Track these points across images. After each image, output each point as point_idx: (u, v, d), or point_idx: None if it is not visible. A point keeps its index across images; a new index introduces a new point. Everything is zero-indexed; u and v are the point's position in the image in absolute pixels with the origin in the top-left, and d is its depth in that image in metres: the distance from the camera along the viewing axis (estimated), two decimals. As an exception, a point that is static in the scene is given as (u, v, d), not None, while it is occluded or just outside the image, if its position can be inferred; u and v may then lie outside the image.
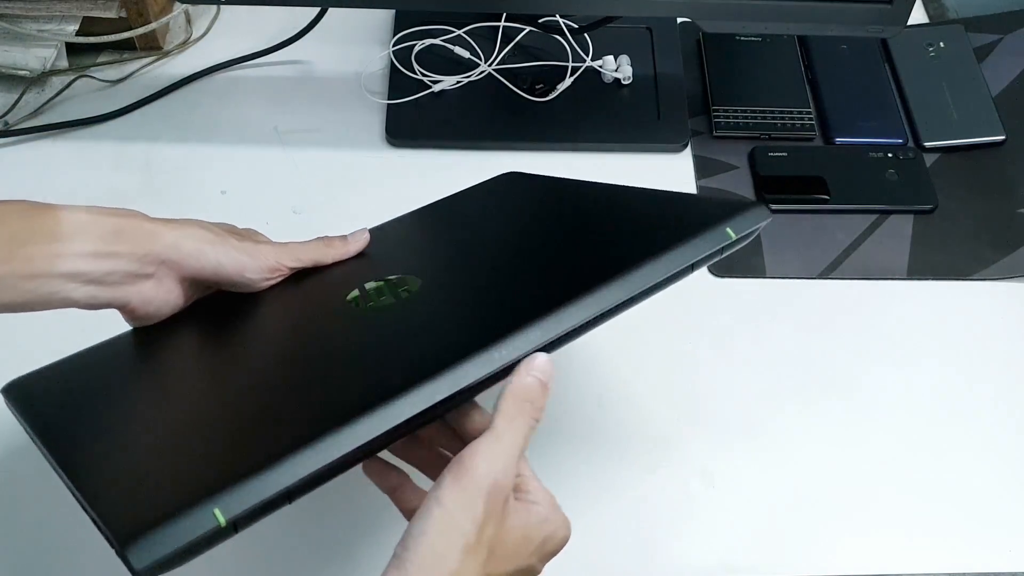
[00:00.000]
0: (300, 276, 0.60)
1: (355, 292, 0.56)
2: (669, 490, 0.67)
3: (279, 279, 0.59)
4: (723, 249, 0.53)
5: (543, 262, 0.57)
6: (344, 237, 0.62)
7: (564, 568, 0.64)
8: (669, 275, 0.51)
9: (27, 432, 0.51)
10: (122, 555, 0.38)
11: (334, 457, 0.42)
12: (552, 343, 0.48)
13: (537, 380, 0.47)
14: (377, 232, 0.65)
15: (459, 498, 0.44)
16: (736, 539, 0.65)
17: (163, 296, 0.55)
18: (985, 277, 0.79)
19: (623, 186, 0.66)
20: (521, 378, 0.47)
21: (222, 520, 0.39)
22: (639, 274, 0.50)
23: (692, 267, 0.52)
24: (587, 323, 0.50)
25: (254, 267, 0.56)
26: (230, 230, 0.59)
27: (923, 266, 0.79)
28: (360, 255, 0.62)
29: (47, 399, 0.53)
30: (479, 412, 0.50)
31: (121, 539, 0.39)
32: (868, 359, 0.74)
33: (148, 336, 0.57)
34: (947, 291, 0.78)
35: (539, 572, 0.49)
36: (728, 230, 0.53)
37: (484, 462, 0.45)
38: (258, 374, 0.53)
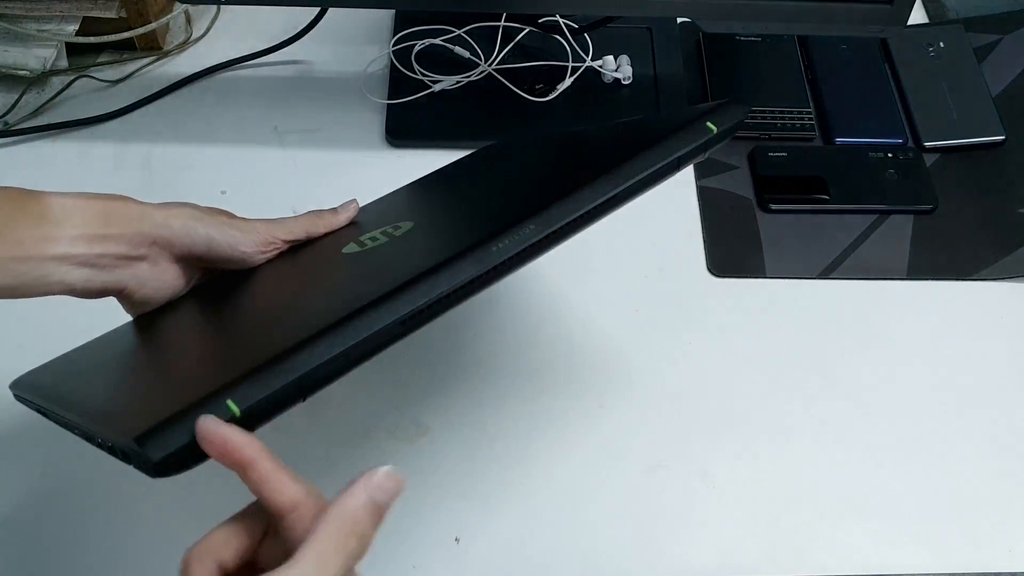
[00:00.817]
0: (295, 249, 0.60)
1: (351, 244, 0.57)
2: (669, 490, 0.67)
3: (274, 252, 0.58)
4: (706, 144, 0.54)
5: (533, 185, 0.58)
6: (334, 209, 0.62)
7: (564, 568, 0.64)
8: (655, 169, 0.52)
9: (41, 412, 0.51)
10: (139, 456, 0.38)
11: (343, 347, 0.42)
12: (545, 239, 0.48)
13: (370, 502, 0.39)
14: (371, 205, 0.66)
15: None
16: (736, 539, 0.65)
17: (159, 277, 0.55)
18: (985, 277, 0.79)
19: (612, 122, 0.68)
20: (350, 498, 0.39)
21: (236, 410, 0.39)
22: (626, 169, 0.51)
23: (678, 162, 0.53)
24: (580, 218, 0.50)
25: (247, 240, 0.56)
26: (222, 211, 0.58)
27: (923, 266, 0.80)
28: (352, 223, 0.62)
29: (53, 383, 0.54)
30: (292, 487, 0.40)
31: (137, 438, 0.38)
32: (868, 359, 0.74)
33: (149, 321, 0.57)
34: (947, 291, 0.78)
35: None
36: (709, 124, 0.54)
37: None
38: (259, 313, 0.53)
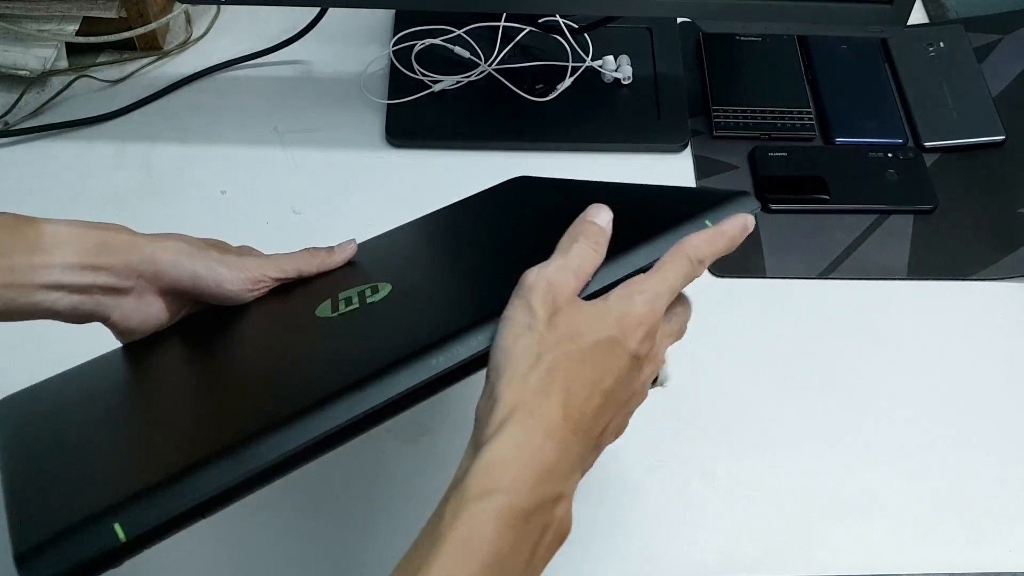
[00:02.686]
0: (286, 288, 0.58)
1: (327, 302, 0.54)
2: (669, 490, 0.67)
3: (264, 291, 0.57)
4: None
5: (513, 263, 0.51)
6: (331, 248, 0.60)
7: (564, 568, 0.64)
8: (637, 269, 0.50)
9: None
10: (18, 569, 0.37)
11: (240, 474, 0.40)
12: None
13: (594, 225, 0.49)
14: (371, 243, 0.64)
15: (515, 302, 0.45)
16: (736, 539, 0.65)
17: (144, 310, 0.55)
18: (985, 277, 0.79)
19: (624, 184, 0.65)
20: (587, 213, 0.50)
21: (122, 536, 0.38)
22: (605, 269, 0.49)
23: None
24: None
25: (233, 279, 0.56)
26: (216, 244, 0.57)
27: (923, 266, 0.80)
28: (348, 264, 0.61)
29: (22, 420, 0.53)
30: None
31: (17, 557, 0.37)
32: (868, 359, 0.74)
33: (133, 353, 0.56)
34: (947, 291, 0.78)
35: (645, 353, 0.48)
36: (707, 222, 0.52)
37: (534, 271, 0.46)
38: (203, 388, 0.52)
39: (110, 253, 0.52)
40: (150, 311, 0.55)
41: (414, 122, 0.87)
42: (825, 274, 0.79)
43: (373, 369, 0.43)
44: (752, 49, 0.93)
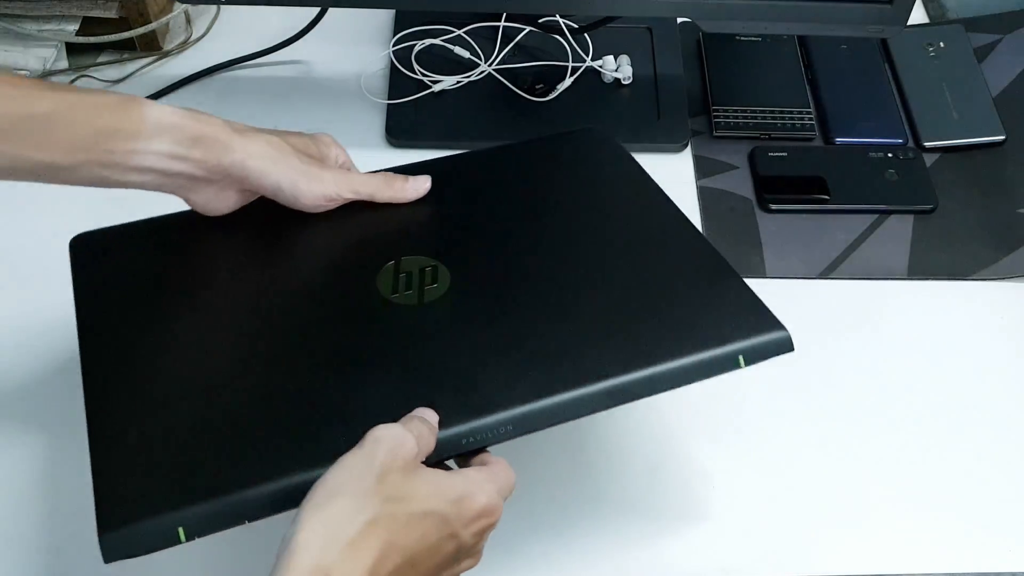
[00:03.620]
0: (357, 209, 0.63)
1: (388, 269, 0.59)
2: (669, 490, 0.67)
3: (334, 206, 0.61)
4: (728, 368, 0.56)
5: (566, 314, 0.58)
6: (406, 179, 0.64)
7: (564, 568, 0.64)
8: (663, 389, 0.55)
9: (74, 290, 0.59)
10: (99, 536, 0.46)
11: (292, 495, 0.46)
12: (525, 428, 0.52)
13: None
14: (439, 173, 0.66)
15: (357, 452, 0.45)
16: (736, 539, 0.65)
17: (222, 198, 0.60)
18: (985, 277, 0.79)
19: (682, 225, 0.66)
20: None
21: (183, 538, 0.47)
22: (632, 381, 0.54)
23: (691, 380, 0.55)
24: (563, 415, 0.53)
25: (309, 194, 0.60)
26: (304, 147, 0.61)
27: (923, 266, 0.80)
28: (418, 202, 0.64)
29: (100, 266, 0.61)
30: None
31: (100, 531, 0.46)
32: (868, 359, 0.74)
33: (207, 226, 0.62)
34: (947, 291, 0.78)
35: (471, 546, 0.48)
36: (740, 359, 0.56)
37: (385, 429, 0.46)
38: (270, 337, 0.56)
39: (203, 148, 0.56)
40: (227, 201, 0.60)
41: (414, 122, 0.87)
42: (825, 274, 0.79)
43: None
44: (752, 49, 0.93)
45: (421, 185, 0.64)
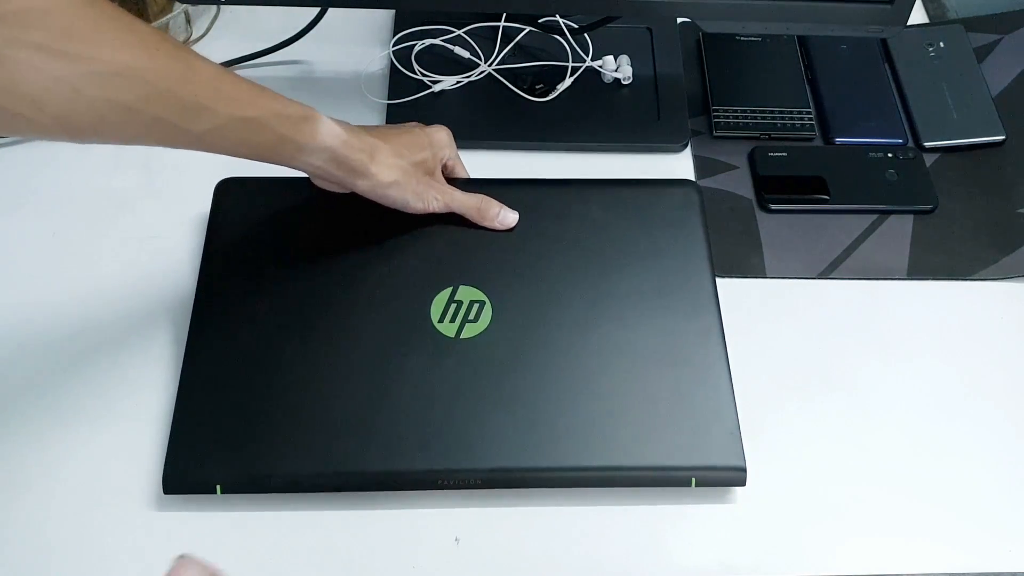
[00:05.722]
0: (450, 218, 0.72)
1: (444, 296, 0.69)
2: (668, 490, 0.67)
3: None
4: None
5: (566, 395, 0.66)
6: (498, 211, 0.73)
7: (564, 568, 0.64)
8: (616, 485, 0.65)
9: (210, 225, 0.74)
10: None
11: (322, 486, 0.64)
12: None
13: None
14: (531, 198, 0.74)
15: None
16: (736, 539, 0.65)
17: (342, 190, 0.69)
18: (985, 277, 0.79)
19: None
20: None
21: (219, 492, 0.63)
22: (594, 475, 0.64)
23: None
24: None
25: (414, 208, 0.70)
26: (423, 164, 0.70)
27: (923, 266, 0.80)
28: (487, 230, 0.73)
29: (237, 211, 0.74)
30: None
31: (166, 466, 0.63)
32: (868, 359, 0.74)
33: (324, 199, 0.70)
34: (947, 291, 0.78)
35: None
36: (693, 480, 0.64)
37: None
38: (334, 381, 0.66)
39: (345, 170, 0.65)
40: (346, 192, 0.69)
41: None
42: (825, 274, 0.79)
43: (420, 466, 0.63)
44: (752, 49, 0.93)
45: (508, 220, 0.73)
